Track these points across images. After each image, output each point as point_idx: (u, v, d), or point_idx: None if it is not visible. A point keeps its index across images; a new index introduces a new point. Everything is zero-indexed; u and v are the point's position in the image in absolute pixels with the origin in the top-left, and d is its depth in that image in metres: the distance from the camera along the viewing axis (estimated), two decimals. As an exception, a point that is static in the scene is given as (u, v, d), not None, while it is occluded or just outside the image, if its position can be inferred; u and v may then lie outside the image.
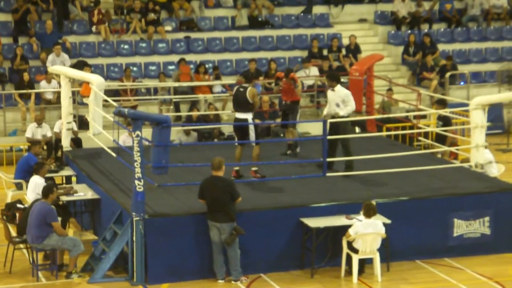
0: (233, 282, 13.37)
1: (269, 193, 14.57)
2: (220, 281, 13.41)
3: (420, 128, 19.37)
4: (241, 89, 14.96)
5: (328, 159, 14.93)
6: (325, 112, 15.75)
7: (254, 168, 15.12)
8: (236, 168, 15.12)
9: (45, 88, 22.71)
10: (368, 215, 13.40)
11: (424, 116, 22.26)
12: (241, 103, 14.88)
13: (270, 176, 15.25)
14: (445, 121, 17.69)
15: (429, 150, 18.29)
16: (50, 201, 13.58)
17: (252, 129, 14.83)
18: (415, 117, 20.53)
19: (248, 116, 14.87)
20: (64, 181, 17.18)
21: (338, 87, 15.50)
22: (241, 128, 15.01)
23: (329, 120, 15.06)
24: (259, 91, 15.84)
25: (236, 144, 15.38)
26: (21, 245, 14.12)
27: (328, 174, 14.82)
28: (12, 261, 13.95)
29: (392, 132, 18.85)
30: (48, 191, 13.60)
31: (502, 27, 28.77)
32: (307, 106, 24.49)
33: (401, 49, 27.12)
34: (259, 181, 14.94)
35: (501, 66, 25.33)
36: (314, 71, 24.77)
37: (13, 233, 14.30)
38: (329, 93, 15.63)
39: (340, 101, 15.36)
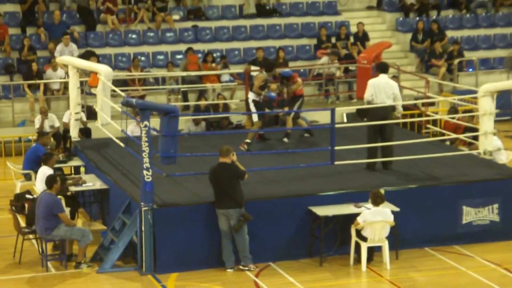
0: (241, 267, 13.40)
1: (278, 182, 14.57)
2: (229, 270, 13.43)
3: (428, 115, 19.32)
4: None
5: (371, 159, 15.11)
6: None
7: (247, 140, 15.79)
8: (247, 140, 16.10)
9: (51, 76, 22.72)
10: (376, 203, 13.39)
11: (432, 104, 22.20)
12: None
13: (279, 165, 15.25)
14: None
15: (437, 137, 18.25)
16: (55, 192, 13.58)
17: (252, 105, 16.20)
18: (423, 104, 20.47)
19: (250, 94, 16.41)
20: (72, 172, 17.24)
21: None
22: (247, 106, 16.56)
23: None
24: (273, 97, 16.62)
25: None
26: (30, 236, 14.15)
27: (336, 163, 14.79)
28: (22, 251, 13.98)
29: (401, 120, 18.75)
30: (51, 181, 13.59)
31: (511, 13, 28.64)
32: (313, 94, 24.46)
33: (409, 36, 27.03)
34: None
35: (509, 53, 25.27)
36: (324, 59, 24.72)
37: (22, 223, 14.33)
38: None
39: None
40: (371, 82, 15.15)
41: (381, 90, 15.05)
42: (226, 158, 13.41)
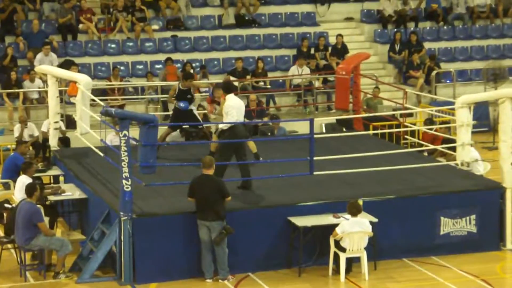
0: (220, 281, 13.41)
1: (256, 192, 14.60)
2: (208, 280, 13.44)
3: (406, 126, 19.46)
4: None
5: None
6: None
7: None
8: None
9: (28, 87, 22.68)
10: (353, 213, 13.46)
11: (410, 115, 22.36)
12: None
13: (258, 175, 15.30)
14: None
15: (416, 148, 18.37)
16: (35, 200, 13.54)
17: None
18: (401, 115, 20.61)
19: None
20: (51, 181, 17.18)
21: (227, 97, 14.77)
22: None
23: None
24: (184, 108, 16.60)
25: None
26: (9, 245, 14.11)
27: (315, 173, 14.85)
28: (0, 261, 13.93)
29: (379, 131, 18.94)
30: (31, 189, 13.56)
31: (487, 25, 28.90)
32: (293, 105, 24.56)
33: (387, 47, 27.19)
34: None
35: (486, 64, 25.42)
36: (306, 70, 24.80)
37: (1, 233, 14.30)
38: None
39: (224, 112, 14.60)
40: (232, 105, 14.46)
41: (240, 110, 14.59)
42: (209, 170, 13.42)
